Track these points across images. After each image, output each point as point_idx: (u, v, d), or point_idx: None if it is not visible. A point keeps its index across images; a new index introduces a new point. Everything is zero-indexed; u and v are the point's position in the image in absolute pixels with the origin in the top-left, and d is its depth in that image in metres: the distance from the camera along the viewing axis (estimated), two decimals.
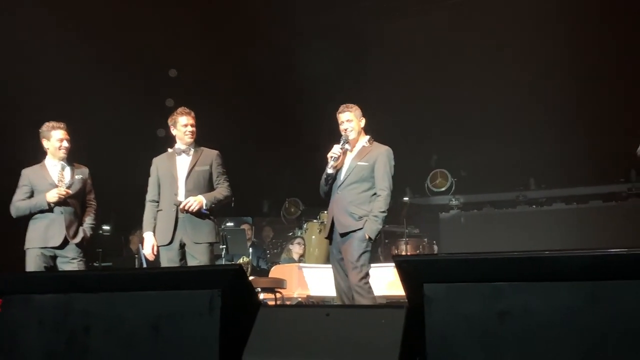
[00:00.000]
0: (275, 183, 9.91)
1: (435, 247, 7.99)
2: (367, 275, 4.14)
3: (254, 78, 8.61)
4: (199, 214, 4.33)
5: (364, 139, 4.37)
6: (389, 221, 8.66)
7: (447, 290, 2.19)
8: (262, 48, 8.26)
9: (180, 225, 4.33)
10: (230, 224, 7.83)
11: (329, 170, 4.28)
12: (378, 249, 8.22)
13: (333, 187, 4.33)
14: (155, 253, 4.40)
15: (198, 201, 4.30)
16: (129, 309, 2.52)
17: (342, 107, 4.33)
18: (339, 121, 4.33)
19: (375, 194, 4.24)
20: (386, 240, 8.00)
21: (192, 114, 4.51)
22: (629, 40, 7.04)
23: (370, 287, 4.13)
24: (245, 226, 8.05)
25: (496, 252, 2.24)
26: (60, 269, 4.51)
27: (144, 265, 6.50)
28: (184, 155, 4.48)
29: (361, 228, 4.15)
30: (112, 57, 7.72)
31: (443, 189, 9.80)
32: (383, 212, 4.18)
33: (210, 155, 4.51)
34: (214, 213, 4.44)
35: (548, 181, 9.49)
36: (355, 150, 4.35)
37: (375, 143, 4.36)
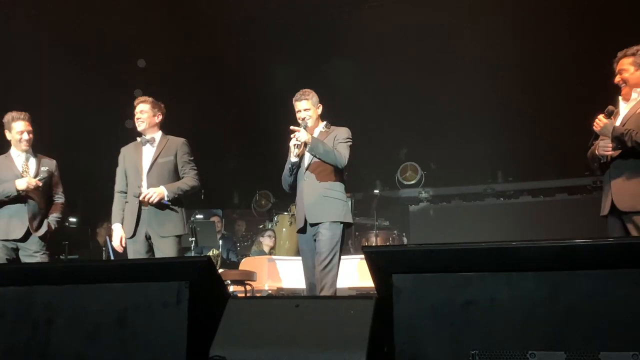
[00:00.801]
0: (245, 175, 9.85)
1: (405, 239, 8.05)
2: (333, 266, 4.06)
3: (224, 68, 8.53)
4: (160, 205, 4.24)
5: (321, 124, 4.32)
6: (359, 213, 8.79)
7: (415, 280, 2.20)
8: (231, 39, 8.18)
9: (143, 218, 4.24)
10: (199, 216, 7.76)
11: (293, 159, 4.21)
12: (349, 241, 8.26)
13: (298, 177, 4.27)
14: (123, 245, 4.32)
15: (158, 193, 4.20)
16: (94, 301, 2.47)
17: (298, 95, 4.26)
18: (296, 109, 4.27)
19: (342, 171, 4.21)
20: (356, 233, 8.03)
21: (148, 100, 4.40)
22: (589, 39, 7.16)
23: (335, 280, 4.06)
24: (215, 218, 7.99)
25: (463, 243, 2.25)
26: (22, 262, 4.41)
27: (112, 258, 6.41)
28: (148, 145, 4.40)
29: (333, 221, 4.09)
30: (79, 46, 7.56)
31: (413, 182, 9.87)
32: (337, 158, 4.08)
33: (175, 144, 4.42)
34: (181, 204, 4.34)
35: (515, 174, 9.64)
36: (315, 136, 4.29)
37: (332, 126, 4.33)
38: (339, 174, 4.19)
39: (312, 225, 4.14)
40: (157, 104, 4.47)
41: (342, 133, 4.23)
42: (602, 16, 7.11)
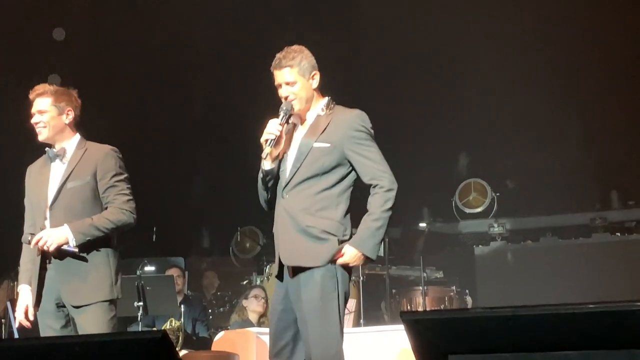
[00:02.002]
0: (220, 206, 9.89)
1: (469, 300, 8.02)
2: (332, 341, 3.83)
3: (187, 46, 8.62)
4: (62, 255, 4.19)
5: (319, 104, 4.06)
6: (396, 260, 8.77)
7: None
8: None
9: (48, 277, 4.22)
10: (150, 268, 7.79)
11: (266, 166, 3.99)
12: (381, 303, 8.22)
13: (278, 189, 4.05)
14: (31, 317, 4.33)
15: (56, 236, 4.14)
16: None
17: (278, 59, 3.99)
18: (275, 82, 4.03)
19: (345, 189, 3.95)
20: (393, 290, 8.01)
21: (48, 91, 4.36)
22: None
23: None
24: (173, 271, 8.01)
25: (560, 305, 2.25)
26: None
27: (16, 336, 6.43)
28: (58, 161, 4.37)
29: (320, 266, 3.82)
30: None
31: (479, 209, 9.87)
32: (388, 210, 3.90)
33: (95, 157, 4.36)
34: (106, 250, 4.27)
35: (638, 197, 9.60)
36: (307, 124, 4.06)
37: (338, 108, 4.06)
38: (338, 193, 3.96)
39: (292, 272, 3.92)
40: (66, 93, 4.42)
41: (355, 130, 3.94)
42: None
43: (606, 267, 8.98)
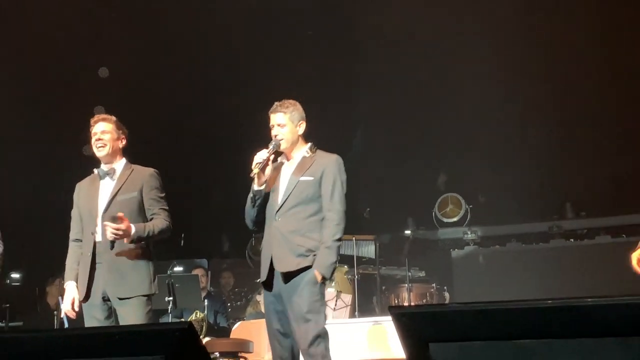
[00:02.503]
0: (237, 212, 9.86)
1: (447, 295, 8.00)
2: (322, 335, 4.05)
3: (207, 78, 8.62)
4: (110, 243, 4.21)
5: (303, 148, 4.34)
6: (385, 261, 8.75)
7: (459, 350, 2.17)
8: (219, 43, 8.28)
9: (97, 275, 4.23)
10: (178, 268, 7.76)
11: (255, 187, 4.21)
12: (373, 297, 8.21)
13: (267, 213, 4.28)
14: (76, 309, 4.32)
15: (127, 231, 4.16)
16: None
17: (275, 105, 4.28)
18: (270, 123, 4.30)
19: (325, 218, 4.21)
20: (383, 287, 7.99)
21: (111, 119, 4.46)
22: None
23: (327, 354, 4.06)
24: (198, 271, 7.97)
25: (523, 301, 2.23)
26: None
27: (66, 325, 6.40)
28: (107, 178, 4.41)
29: (311, 266, 4.09)
30: (24, 54, 7.68)
31: (455, 219, 9.85)
32: (337, 240, 4.16)
33: (141, 176, 4.43)
34: (148, 253, 4.32)
35: (590, 208, 9.57)
36: (294, 163, 4.31)
37: (319, 152, 4.34)
38: (321, 219, 4.22)
39: (286, 278, 4.13)
40: (121, 125, 4.52)
41: (332, 169, 4.22)
42: None
43: (562, 268, 8.97)
